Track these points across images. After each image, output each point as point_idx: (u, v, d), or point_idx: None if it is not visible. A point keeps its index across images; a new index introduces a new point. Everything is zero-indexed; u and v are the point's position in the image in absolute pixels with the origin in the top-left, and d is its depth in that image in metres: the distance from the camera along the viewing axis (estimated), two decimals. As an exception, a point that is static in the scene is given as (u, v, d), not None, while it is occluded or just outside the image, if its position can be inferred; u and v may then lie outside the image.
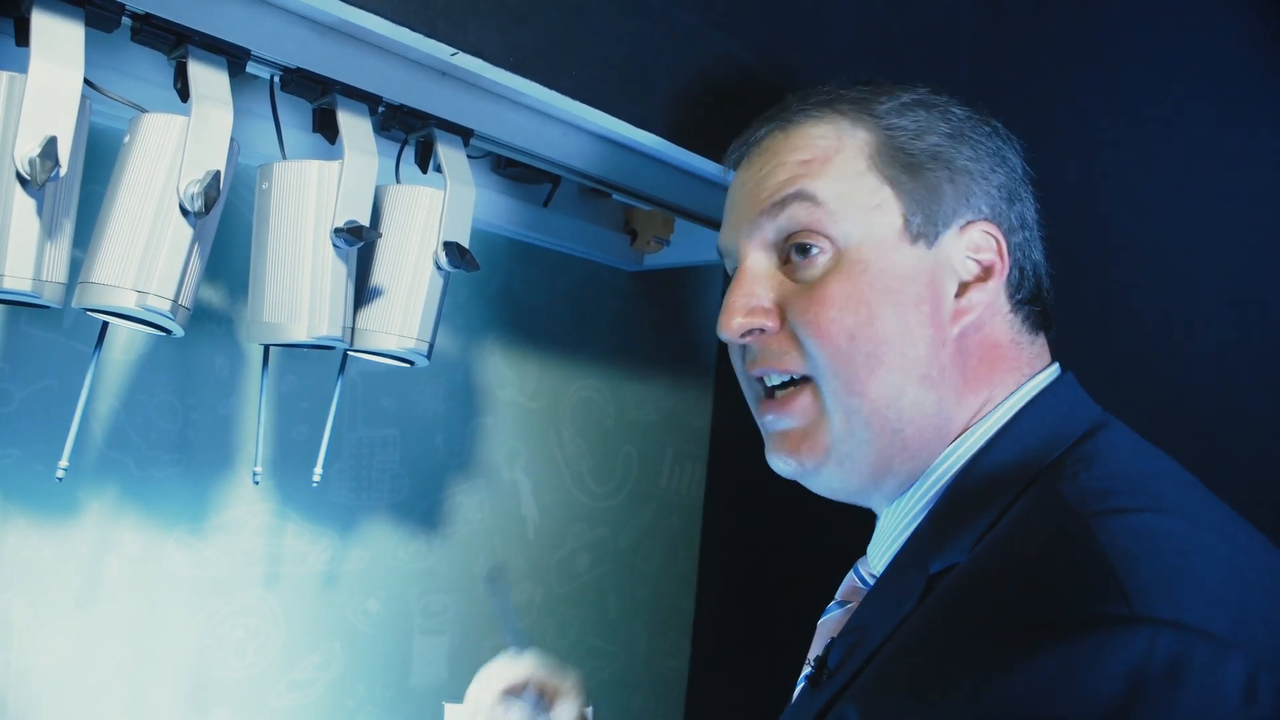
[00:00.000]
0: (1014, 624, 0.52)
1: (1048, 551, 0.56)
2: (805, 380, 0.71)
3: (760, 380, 0.75)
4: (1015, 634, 0.51)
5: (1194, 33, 1.11)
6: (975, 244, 0.71)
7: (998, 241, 0.71)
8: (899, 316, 0.68)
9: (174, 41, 0.77)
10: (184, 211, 0.75)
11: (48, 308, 0.75)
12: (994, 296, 0.71)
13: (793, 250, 0.72)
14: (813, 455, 0.71)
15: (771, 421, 0.74)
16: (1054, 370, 0.74)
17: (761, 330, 0.72)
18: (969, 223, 0.71)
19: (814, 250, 0.70)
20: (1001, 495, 0.64)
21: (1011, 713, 0.49)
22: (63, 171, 0.69)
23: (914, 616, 0.62)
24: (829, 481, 0.72)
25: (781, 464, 0.74)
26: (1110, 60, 1.17)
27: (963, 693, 0.52)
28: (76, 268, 0.76)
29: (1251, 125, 1.06)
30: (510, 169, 1.17)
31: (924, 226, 0.70)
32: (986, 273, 0.71)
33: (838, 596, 0.78)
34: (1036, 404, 0.70)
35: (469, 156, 0.95)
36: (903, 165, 0.71)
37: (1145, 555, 0.52)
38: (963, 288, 0.71)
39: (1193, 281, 1.08)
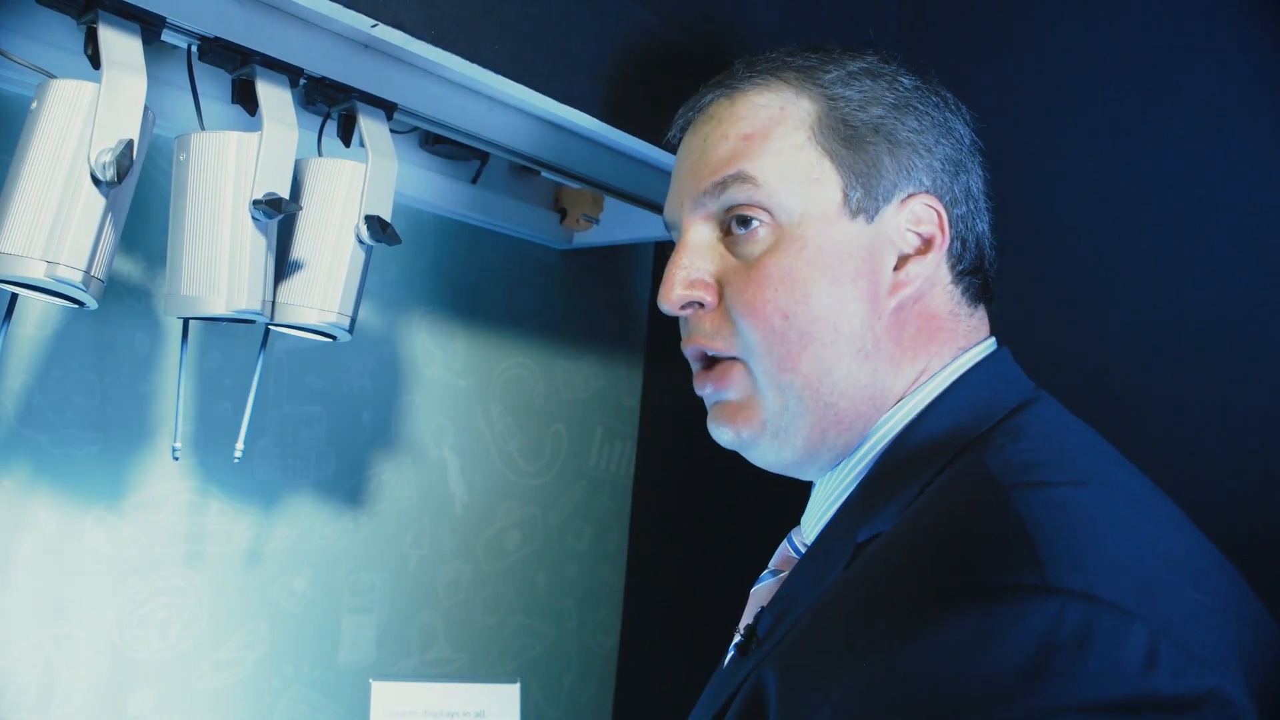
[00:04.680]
0: (929, 591, 0.54)
1: (967, 520, 0.58)
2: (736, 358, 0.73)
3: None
4: (930, 601, 0.53)
5: (1125, 8, 1.12)
6: (916, 217, 0.72)
7: (939, 214, 0.72)
8: (834, 292, 0.69)
9: (83, 5, 0.75)
10: (95, 181, 0.74)
11: (-48, 278, 0.73)
12: (933, 269, 0.71)
13: (734, 221, 0.72)
14: (749, 427, 0.72)
15: (710, 393, 0.75)
16: (990, 344, 0.75)
17: (701, 305, 0.73)
18: (910, 195, 0.71)
19: (755, 223, 0.71)
20: (930, 465, 0.66)
21: (924, 678, 0.50)
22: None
23: (836, 583, 0.64)
24: (765, 454, 0.74)
25: (721, 434, 0.75)
26: (1037, 36, 1.17)
27: (878, 658, 0.53)
28: (-17, 237, 0.75)
29: (1198, 89, 1.06)
30: (439, 145, 1.17)
31: (863, 201, 0.70)
32: (926, 245, 0.72)
33: (771, 565, 0.79)
34: (970, 377, 0.71)
35: (395, 132, 0.94)
36: (843, 138, 0.71)
37: (1061, 527, 0.54)
38: (902, 260, 0.71)
39: (1121, 255, 1.09)
